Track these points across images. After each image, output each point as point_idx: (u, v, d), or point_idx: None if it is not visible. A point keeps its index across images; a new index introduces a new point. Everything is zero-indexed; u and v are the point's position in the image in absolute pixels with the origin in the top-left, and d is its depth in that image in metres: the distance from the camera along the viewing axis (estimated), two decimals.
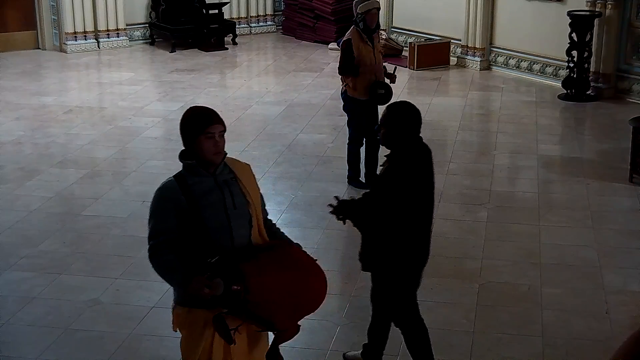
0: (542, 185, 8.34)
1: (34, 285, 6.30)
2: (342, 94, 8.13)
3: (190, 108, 4.01)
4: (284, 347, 5.26)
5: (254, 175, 4.08)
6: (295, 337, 4.01)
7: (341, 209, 4.68)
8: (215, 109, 3.96)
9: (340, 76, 8.10)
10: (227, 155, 3.97)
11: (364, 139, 8.18)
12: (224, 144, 3.91)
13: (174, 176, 3.93)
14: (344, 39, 7.99)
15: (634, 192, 8.11)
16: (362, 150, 8.20)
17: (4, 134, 9.96)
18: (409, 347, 5.03)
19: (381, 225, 4.68)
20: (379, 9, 8.04)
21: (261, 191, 4.09)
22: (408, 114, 4.70)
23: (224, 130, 3.92)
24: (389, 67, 8.25)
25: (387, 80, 8.09)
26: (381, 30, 10.56)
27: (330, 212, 4.72)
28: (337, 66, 8.06)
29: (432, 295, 6.13)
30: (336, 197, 4.74)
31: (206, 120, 3.87)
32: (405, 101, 4.83)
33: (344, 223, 4.80)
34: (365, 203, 4.74)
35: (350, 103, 8.06)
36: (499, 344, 5.54)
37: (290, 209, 7.62)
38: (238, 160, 4.09)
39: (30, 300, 6.08)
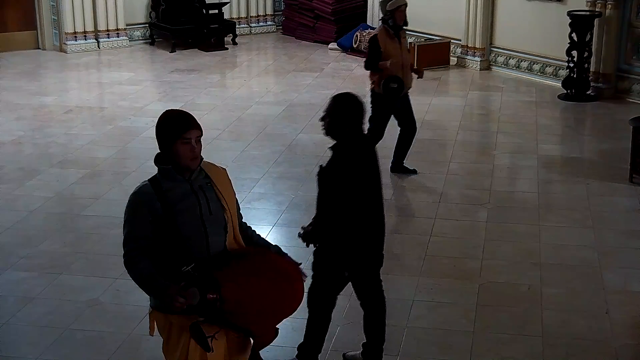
0: (542, 185, 8.33)
1: (34, 285, 6.29)
2: (370, 91, 8.24)
3: (167, 112, 3.92)
4: (284, 347, 5.28)
5: (229, 180, 4.02)
6: (274, 340, 4.03)
7: (308, 236, 4.85)
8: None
9: (368, 73, 8.25)
10: (204, 160, 3.91)
11: (400, 129, 8.37)
12: (200, 149, 3.83)
13: (148, 180, 3.87)
14: (371, 35, 8.09)
15: (634, 192, 8.11)
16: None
17: (4, 134, 9.95)
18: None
19: (330, 219, 4.80)
20: (406, 5, 8.13)
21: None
22: (351, 105, 4.85)
23: (201, 135, 3.85)
24: None
25: (414, 76, 8.30)
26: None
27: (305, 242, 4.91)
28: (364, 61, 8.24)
29: (432, 295, 6.13)
30: (302, 227, 4.89)
31: (183, 125, 3.79)
32: (350, 92, 4.98)
33: (315, 246, 4.94)
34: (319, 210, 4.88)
35: (375, 100, 8.16)
36: (499, 344, 5.53)
37: (290, 209, 7.61)
38: (214, 165, 4.03)
39: (30, 300, 6.07)
